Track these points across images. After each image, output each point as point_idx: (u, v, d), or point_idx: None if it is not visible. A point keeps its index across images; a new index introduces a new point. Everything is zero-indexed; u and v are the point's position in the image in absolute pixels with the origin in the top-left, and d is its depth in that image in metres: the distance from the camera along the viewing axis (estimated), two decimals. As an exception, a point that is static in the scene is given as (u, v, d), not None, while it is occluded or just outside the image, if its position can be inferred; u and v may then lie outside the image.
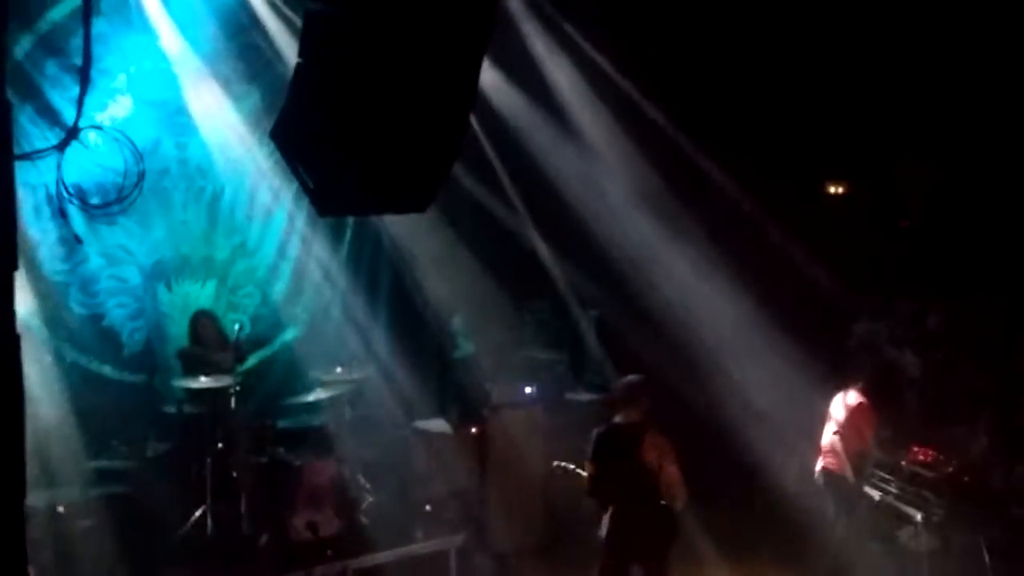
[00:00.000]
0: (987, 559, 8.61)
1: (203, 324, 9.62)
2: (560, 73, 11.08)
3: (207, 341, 9.54)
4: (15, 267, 3.06)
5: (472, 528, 9.60)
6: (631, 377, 7.51)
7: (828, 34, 10.39)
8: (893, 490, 8.96)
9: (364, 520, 9.19)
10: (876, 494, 9.03)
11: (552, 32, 10.93)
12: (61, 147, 4.33)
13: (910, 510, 8.82)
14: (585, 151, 11.21)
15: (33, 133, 9.00)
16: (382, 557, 8.79)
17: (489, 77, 10.37)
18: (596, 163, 11.24)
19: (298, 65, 4.51)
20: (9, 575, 3.09)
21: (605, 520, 6.60)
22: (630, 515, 7.11)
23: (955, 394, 10.21)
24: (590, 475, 7.23)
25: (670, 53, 10.62)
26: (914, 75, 10.06)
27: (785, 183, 11.23)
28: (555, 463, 9.27)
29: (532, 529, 10.28)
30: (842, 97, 10.46)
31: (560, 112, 11.10)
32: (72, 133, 4.23)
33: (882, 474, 9.07)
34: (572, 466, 9.16)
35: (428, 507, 9.51)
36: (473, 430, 10.15)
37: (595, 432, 7.32)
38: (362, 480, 9.38)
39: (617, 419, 7.35)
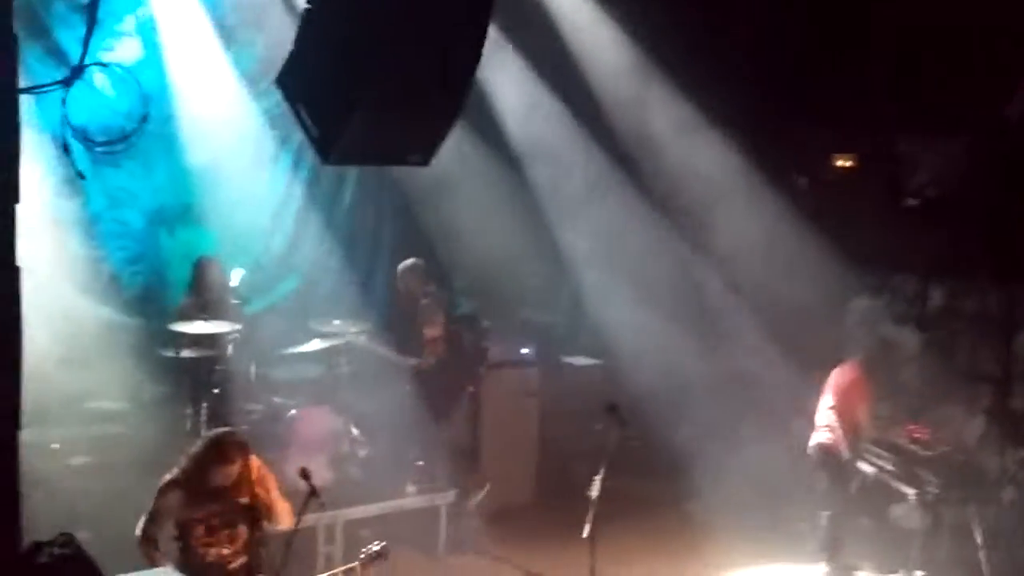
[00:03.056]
0: (978, 539, 8.65)
1: (208, 268, 9.54)
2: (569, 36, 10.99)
3: (211, 285, 9.47)
4: (17, 200, 3.06)
5: (463, 485, 9.64)
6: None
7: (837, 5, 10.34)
8: (887, 467, 8.99)
9: (356, 472, 9.22)
10: (870, 470, 9.07)
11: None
12: (67, 83, 4.31)
13: (904, 487, 8.87)
14: (580, 112, 11.14)
15: (40, 72, 8.90)
16: (373, 510, 8.84)
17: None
18: (588, 126, 11.18)
19: (306, 11, 4.49)
20: (2, 507, 3.10)
21: (596, 481, 6.61)
22: None
23: (954, 373, 10.21)
24: None
25: (676, 21, 10.51)
26: (925, 50, 9.99)
27: (791, 155, 11.20)
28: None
29: (523, 488, 10.35)
30: (851, 70, 10.40)
31: (564, 73, 11.02)
32: (77, 70, 4.22)
33: (877, 450, 9.10)
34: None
35: (420, 463, 9.54)
36: (469, 388, 10.18)
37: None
38: (356, 433, 9.39)
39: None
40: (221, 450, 6.47)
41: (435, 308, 9.82)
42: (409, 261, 10.01)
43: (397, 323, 10.20)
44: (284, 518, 6.55)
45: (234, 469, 6.45)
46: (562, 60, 10.86)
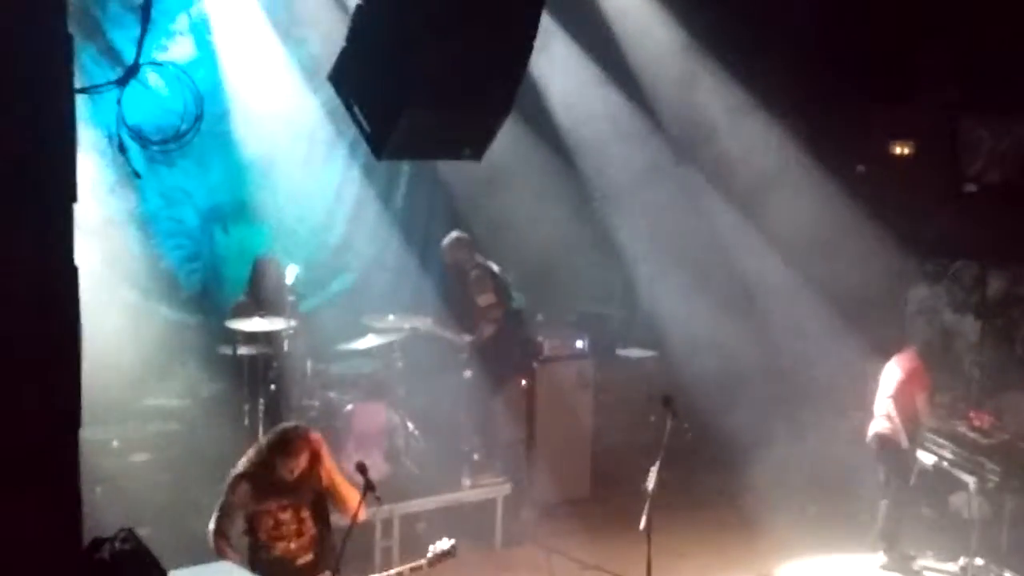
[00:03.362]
0: (1040, 527, 8.55)
1: (267, 267, 9.58)
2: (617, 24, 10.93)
3: (269, 284, 9.53)
4: (75, 199, 3.08)
5: (519, 479, 9.65)
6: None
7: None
8: (947, 455, 8.89)
9: (412, 466, 9.26)
10: (930, 459, 8.97)
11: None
12: (122, 82, 4.36)
13: (964, 476, 8.76)
14: (642, 101, 11.09)
15: (95, 73, 9.02)
16: (429, 503, 8.87)
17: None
18: (651, 115, 11.13)
19: (358, 7, 4.50)
20: (63, 504, 3.14)
21: (652, 473, 6.59)
22: None
23: (1013, 361, 10.08)
24: None
25: (730, 5, 10.43)
26: (987, 31, 9.85)
27: (850, 141, 11.08)
28: None
29: (578, 481, 10.33)
30: (912, 53, 10.28)
31: (619, 64, 10.97)
32: (132, 69, 4.26)
33: (936, 439, 9.00)
34: None
35: (476, 456, 9.57)
36: (523, 382, 10.18)
37: None
38: (411, 427, 9.43)
39: None
40: (286, 443, 6.52)
41: (485, 277, 9.86)
42: (454, 234, 10.10)
43: (450, 300, 10.25)
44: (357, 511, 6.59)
45: (299, 463, 6.50)
46: (612, 47, 10.81)
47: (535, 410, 10.18)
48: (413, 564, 6.53)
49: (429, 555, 6.50)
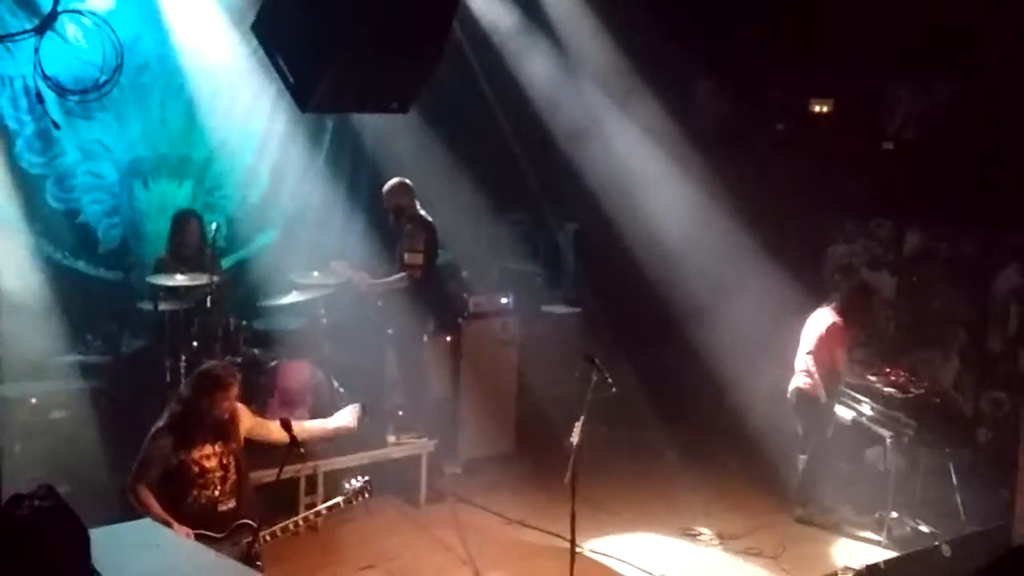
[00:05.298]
0: (954, 480, 8.75)
1: (188, 222, 9.51)
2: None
3: (190, 239, 9.45)
4: (-10, 150, 3.02)
5: (444, 435, 9.67)
6: None
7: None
8: (864, 410, 9.06)
9: (336, 423, 9.22)
10: (847, 413, 9.13)
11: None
12: (39, 30, 4.26)
13: (880, 430, 8.93)
14: (567, 59, 11.07)
15: (11, 24, 8.80)
16: (353, 460, 8.84)
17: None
18: (577, 72, 11.12)
19: (282, -44, 4.44)
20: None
21: (576, 428, 6.65)
22: None
23: (929, 317, 10.27)
24: None
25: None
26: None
27: (769, 98, 11.16)
28: None
29: (503, 437, 10.38)
30: (834, 11, 10.36)
31: (543, 19, 10.93)
32: (50, 16, 4.16)
33: (854, 394, 9.16)
34: None
35: (400, 413, 9.56)
36: (448, 339, 10.18)
37: None
38: (335, 384, 9.40)
39: None
40: (218, 380, 6.52)
41: (419, 233, 9.57)
42: (397, 179, 9.72)
43: (384, 244, 10.12)
44: (276, 433, 6.68)
45: (231, 397, 6.48)
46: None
47: (460, 366, 10.18)
48: (330, 503, 6.68)
49: (345, 490, 6.65)
